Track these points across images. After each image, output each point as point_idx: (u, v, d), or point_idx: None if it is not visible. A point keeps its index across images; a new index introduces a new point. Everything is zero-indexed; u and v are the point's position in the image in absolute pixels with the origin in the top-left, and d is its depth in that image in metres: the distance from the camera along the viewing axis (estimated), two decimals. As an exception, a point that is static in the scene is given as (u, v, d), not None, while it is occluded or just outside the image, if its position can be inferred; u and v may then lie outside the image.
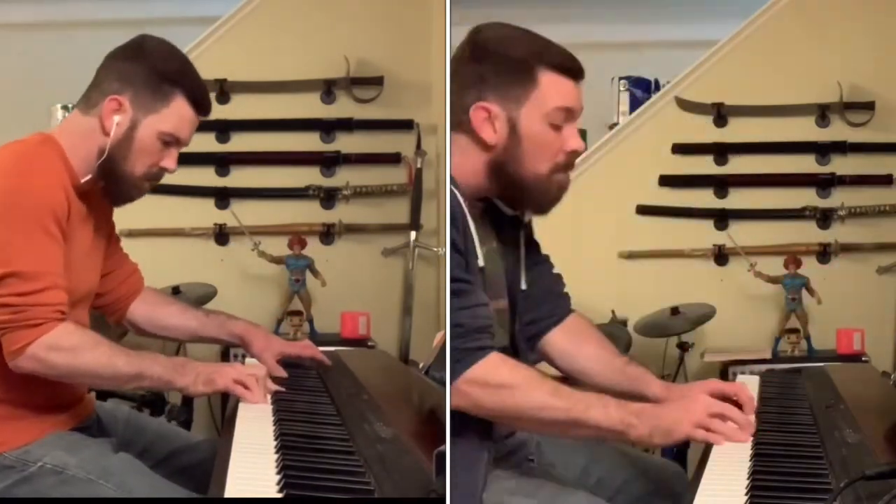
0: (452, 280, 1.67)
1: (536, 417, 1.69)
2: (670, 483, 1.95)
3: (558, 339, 2.00)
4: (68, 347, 1.83)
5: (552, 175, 1.79)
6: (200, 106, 1.98)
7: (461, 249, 1.70)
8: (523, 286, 1.92)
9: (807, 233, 3.92)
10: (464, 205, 1.73)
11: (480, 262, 1.73)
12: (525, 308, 1.93)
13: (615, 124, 4.17)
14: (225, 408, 3.07)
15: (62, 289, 1.84)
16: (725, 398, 1.95)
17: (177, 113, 1.94)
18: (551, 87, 1.76)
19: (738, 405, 1.94)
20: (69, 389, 2.01)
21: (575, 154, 1.80)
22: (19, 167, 1.86)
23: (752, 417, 1.94)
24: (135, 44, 1.99)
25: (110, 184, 1.97)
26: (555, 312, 2.01)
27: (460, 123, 1.78)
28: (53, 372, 1.84)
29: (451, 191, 1.73)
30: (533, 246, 1.96)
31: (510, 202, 1.85)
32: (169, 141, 1.95)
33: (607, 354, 2.05)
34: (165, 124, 1.93)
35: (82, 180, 1.94)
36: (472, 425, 1.72)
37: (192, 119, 1.97)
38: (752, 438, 1.82)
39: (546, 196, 1.82)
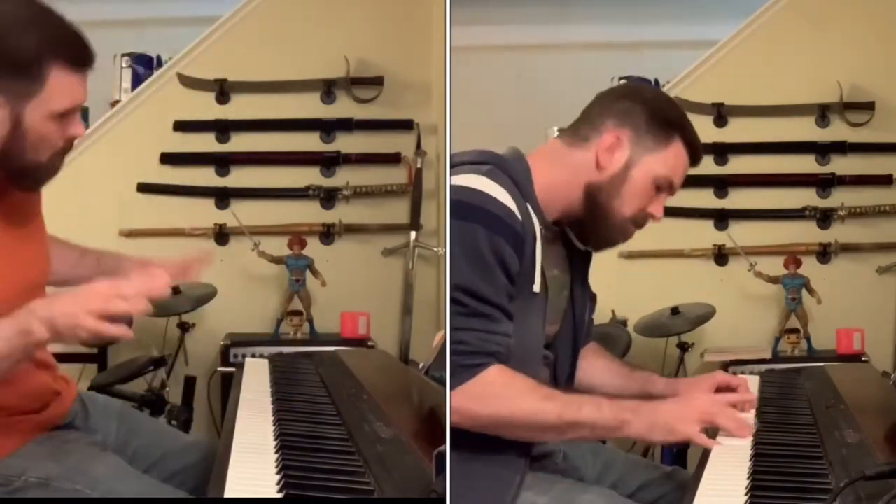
0: (480, 299, 1.67)
1: (529, 423, 1.70)
2: (680, 490, 1.95)
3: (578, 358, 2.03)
4: None
5: (627, 222, 1.86)
6: (76, 62, 1.71)
7: (513, 272, 1.70)
8: (589, 315, 1.98)
9: (807, 233, 3.92)
10: (538, 228, 1.75)
11: (536, 288, 1.75)
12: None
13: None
14: (225, 407, 3.07)
15: None
16: (729, 389, 1.97)
17: (54, 88, 1.69)
18: (675, 158, 1.85)
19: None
20: (38, 388, 1.90)
21: (650, 219, 1.87)
22: None
23: (752, 415, 1.96)
24: None
25: (14, 174, 1.77)
26: (583, 345, 2.04)
27: (583, 140, 1.85)
28: None
29: (528, 213, 1.74)
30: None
31: (580, 229, 1.89)
32: (60, 114, 1.72)
33: (614, 365, 2.11)
34: (50, 105, 1.69)
35: None
36: (510, 447, 1.74)
37: (71, 83, 1.71)
38: (751, 437, 1.83)
39: (612, 236, 1.88)
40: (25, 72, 1.66)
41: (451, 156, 1.85)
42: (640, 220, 1.87)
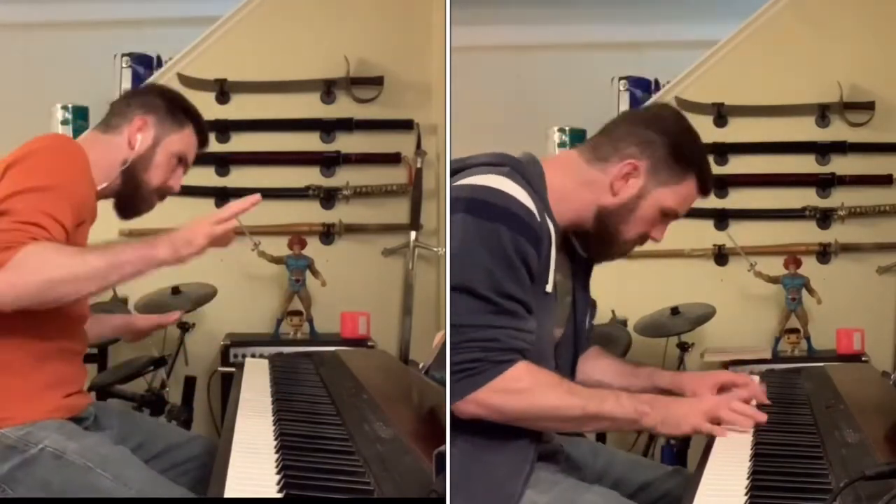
0: (508, 297, 1.70)
1: (555, 416, 1.76)
2: (682, 490, 1.96)
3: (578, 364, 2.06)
4: (34, 265, 1.79)
5: (630, 243, 1.93)
6: (202, 138, 2.31)
7: (534, 271, 1.75)
8: (589, 322, 2.02)
9: (807, 233, 3.92)
10: (553, 231, 1.79)
11: (548, 289, 1.79)
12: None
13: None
14: (225, 407, 3.07)
15: (58, 223, 1.87)
16: (735, 387, 2.00)
17: (188, 138, 2.26)
18: (685, 192, 1.92)
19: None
20: (72, 373, 2.06)
21: (648, 240, 1.95)
22: (72, 149, 2.07)
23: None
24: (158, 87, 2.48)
25: (127, 193, 2.20)
26: (584, 349, 2.07)
27: (602, 160, 1.89)
28: (22, 299, 1.80)
29: (544, 215, 1.78)
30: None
31: (585, 240, 1.93)
32: (180, 160, 2.24)
33: (617, 363, 2.16)
34: (179, 146, 2.24)
35: (99, 187, 2.10)
36: (520, 438, 1.77)
37: (195, 146, 2.29)
38: (753, 432, 1.84)
39: (612, 252, 1.95)
40: (178, 115, 2.24)
41: (465, 157, 1.87)
42: (640, 241, 1.94)
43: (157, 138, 2.20)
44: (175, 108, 2.25)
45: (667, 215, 1.92)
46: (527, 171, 1.82)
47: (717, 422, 1.82)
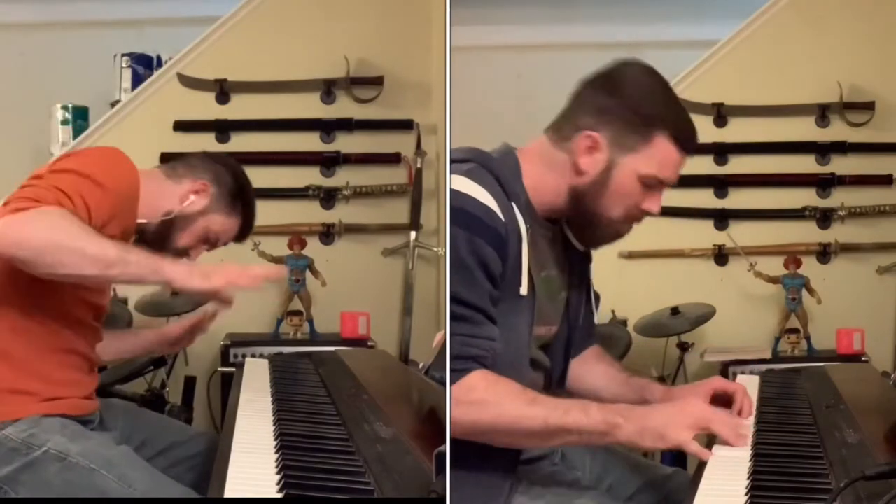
0: (461, 303, 1.63)
1: (513, 429, 1.65)
2: (681, 492, 1.94)
3: (573, 365, 1.99)
4: (49, 222, 1.78)
5: (618, 221, 1.81)
6: (242, 234, 2.29)
7: (495, 274, 1.66)
8: (588, 315, 1.95)
9: (807, 233, 3.92)
10: (523, 228, 1.71)
11: (523, 291, 1.71)
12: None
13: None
14: (225, 407, 3.07)
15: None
16: (727, 394, 1.96)
17: (230, 227, 2.25)
18: (660, 153, 1.76)
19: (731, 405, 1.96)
20: (86, 380, 2.07)
21: (647, 215, 1.81)
22: (129, 166, 2.07)
23: (749, 421, 1.94)
24: (235, 166, 2.31)
25: (151, 239, 2.14)
26: (584, 347, 2.03)
27: (565, 139, 1.79)
28: (23, 246, 1.77)
29: (512, 212, 1.71)
30: (589, 280, 1.97)
31: (573, 227, 1.85)
32: (211, 239, 2.23)
33: (613, 370, 2.07)
34: (219, 228, 2.24)
35: (137, 220, 2.12)
36: (498, 454, 1.71)
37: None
38: (748, 447, 1.82)
39: (604, 236, 1.84)
40: (235, 203, 2.20)
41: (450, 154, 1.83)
42: (635, 216, 1.81)
43: (205, 209, 2.17)
44: (235, 196, 2.21)
45: (650, 185, 1.77)
46: (495, 166, 1.73)
47: (704, 431, 1.72)
